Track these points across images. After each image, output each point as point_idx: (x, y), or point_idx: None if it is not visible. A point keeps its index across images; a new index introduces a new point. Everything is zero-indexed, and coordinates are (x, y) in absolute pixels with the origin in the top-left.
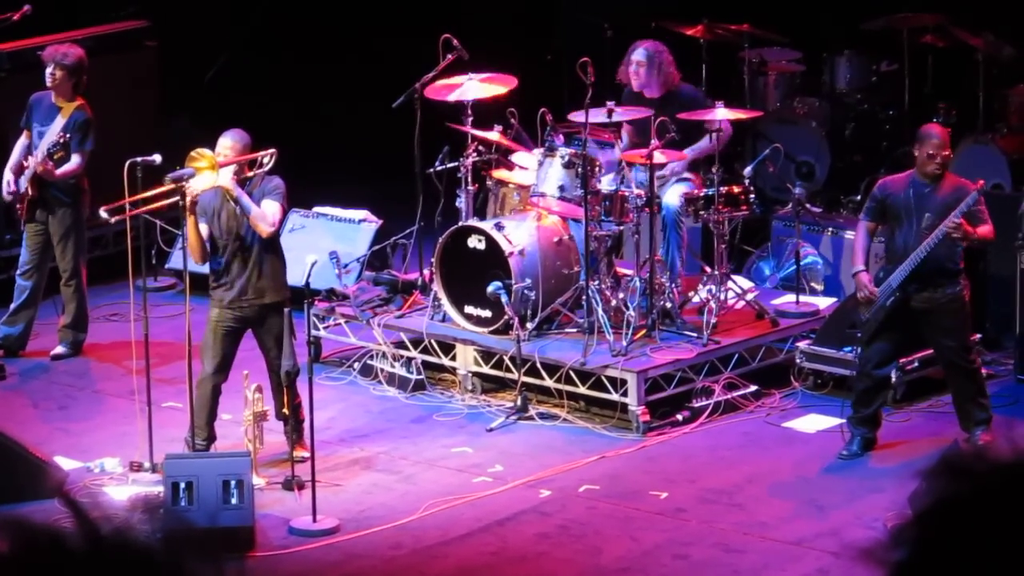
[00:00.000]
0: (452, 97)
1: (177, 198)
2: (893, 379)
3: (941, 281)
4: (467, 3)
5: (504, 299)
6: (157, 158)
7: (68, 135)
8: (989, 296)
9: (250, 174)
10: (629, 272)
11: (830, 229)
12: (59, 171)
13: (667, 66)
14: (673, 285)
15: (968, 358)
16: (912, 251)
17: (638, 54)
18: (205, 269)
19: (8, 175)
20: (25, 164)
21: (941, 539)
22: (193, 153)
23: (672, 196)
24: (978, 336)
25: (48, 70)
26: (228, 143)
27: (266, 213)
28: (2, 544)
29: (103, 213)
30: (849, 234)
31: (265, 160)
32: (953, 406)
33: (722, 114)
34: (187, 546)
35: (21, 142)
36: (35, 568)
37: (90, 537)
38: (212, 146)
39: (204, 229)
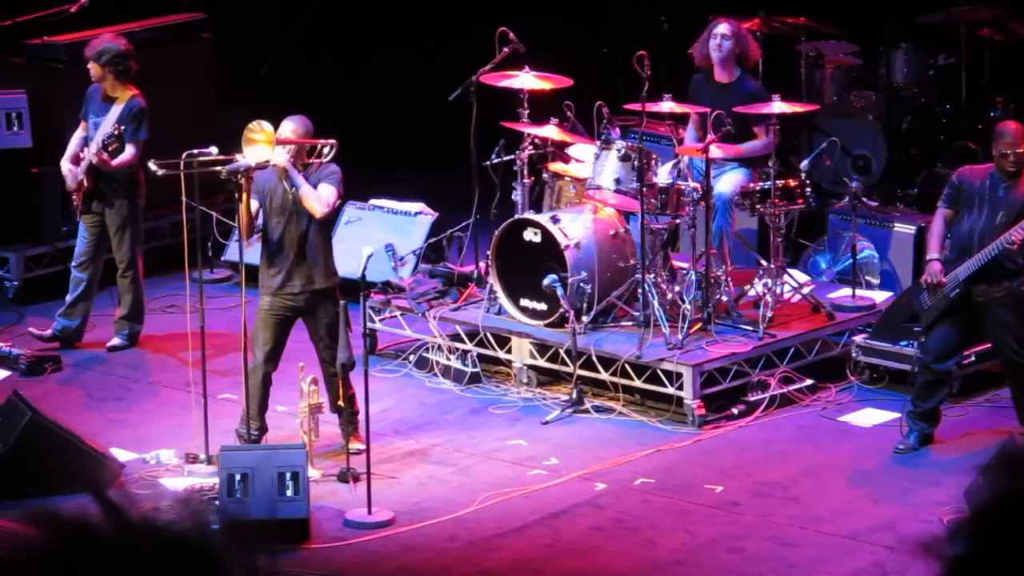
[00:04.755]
0: (505, 83)
1: (232, 177)
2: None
3: (1000, 276)
4: None
5: (560, 292)
6: (213, 149)
7: (123, 126)
8: None
9: (308, 162)
10: (685, 265)
11: (886, 223)
12: (114, 162)
13: (747, 43)
14: (719, 265)
15: None
16: (978, 241)
17: (723, 27)
18: (257, 253)
19: (67, 165)
20: (81, 155)
21: (999, 533)
22: (251, 125)
23: (725, 184)
24: None
25: (87, 67)
26: (290, 127)
27: (320, 194)
28: (34, 535)
29: (151, 164)
30: (901, 227)
31: (325, 150)
32: (1012, 401)
33: (778, 107)
34: (220, 534)
35: (78, 133)
36: (66, 557)
37: (119, 525)
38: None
39: (255, 206)
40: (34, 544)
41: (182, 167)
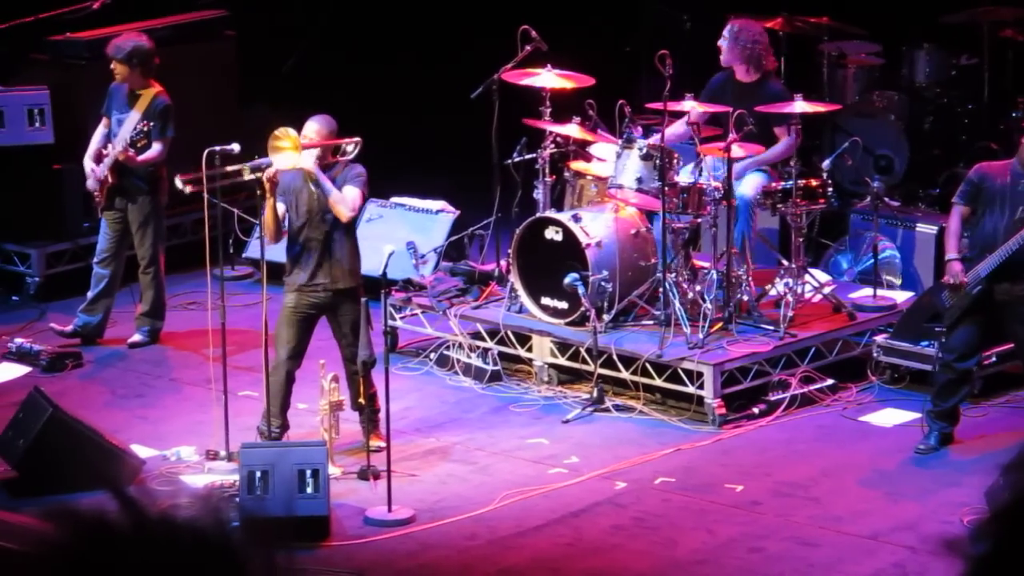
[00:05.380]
0: (527, 82)
1: (259, 175)
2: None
3: (1021, 274)
4: None
5: (581, 291)
6: (236, 147)
7: (151, 123)
8: None
9: (333, 160)
10: (706, 265)
11: (908, 223)
12: (140, 158)
13: (749, 46)
14: (741, 265)
15: None
16: (1002, 239)
17: (726, 29)
18: (282, 257)
19: (89, 163)
20: (104, 152)
21: (1020, 534)
22: (277, 132)
23: (747, 187)
24: None
25: (111, 67)
26: (314, 127)
27: (346, 197)
28: (53, 531)
29: (178, 182)
30: (923, 227)
31: (349, 148)
32: None
33: (800, 107)
34: (239, 531)
35: (100, 130)
36: (85, 554)
37: (138, 522)
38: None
39: (281, 208)
40: (53, 540)
41: (204, 177)
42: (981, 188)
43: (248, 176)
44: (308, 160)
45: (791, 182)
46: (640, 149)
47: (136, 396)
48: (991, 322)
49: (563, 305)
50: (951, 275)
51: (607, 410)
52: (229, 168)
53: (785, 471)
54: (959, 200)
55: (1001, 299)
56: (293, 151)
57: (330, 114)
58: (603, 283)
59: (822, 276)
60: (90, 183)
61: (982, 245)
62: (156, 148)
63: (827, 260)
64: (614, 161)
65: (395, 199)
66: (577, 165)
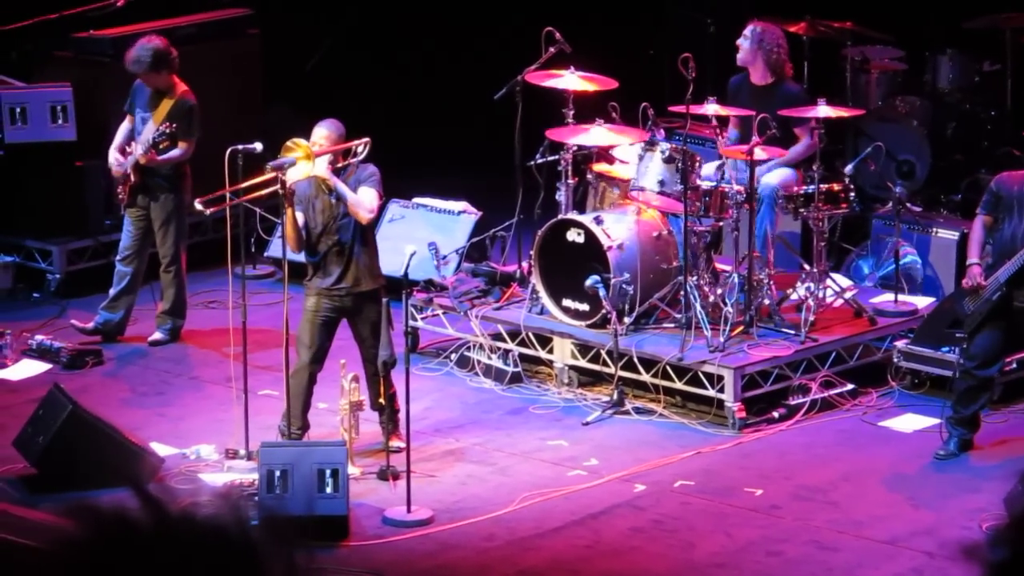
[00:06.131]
0: (550, 84)
1: (276, 187)
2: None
3: None
4: None
5: (602, 293)
6: (258, 146)
7: (175, 124)
8: None
9: (344, 163)
10: (727, 268)
11: (930, 228)
12: (163, 157)
13: (772, 50)
14: (762, 258)
15: None
16: (1020, 245)
17: (746, 29)
18: (303, 258)
19: (114, 154)
20: (128, 149)
21: None
22: (288, 143)
23: (772, 177)
24: None
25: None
26: (323, 133)
27: (363, 200)
28: (73, 528)
29: (198, 205)
30: (944, 233)
31: (359, 149)
32: None
33: (824, 111)
34: (259, 529)
35: (124, 126)
36: (105, 551)
37: (158, 519)
38: (309, 135)
39: (300, 217)
40: (73, 537)
41: (222, 194)
42: (1000, 196)
43: (268, 173)
44: (322, 167)
45: (813, 186)
46: (662, 152)
47: (156, 394)
48: (1012, 329)
49: (584, 307)
50: (970, 278)
51: (627, 413)
52: (245, 184)
53: (805, 475)
54: (981, 210)
55: (1020, 306)
56: (306, 160)
57: (354, 114)
58: (624, 285)
59: (843, 281)
60: (115, 168)
61: (1001, 251)
62: (180, 148)
63: (849, 265)
64: (636, 164)
65: (417, 200)
66: (600, 167)
